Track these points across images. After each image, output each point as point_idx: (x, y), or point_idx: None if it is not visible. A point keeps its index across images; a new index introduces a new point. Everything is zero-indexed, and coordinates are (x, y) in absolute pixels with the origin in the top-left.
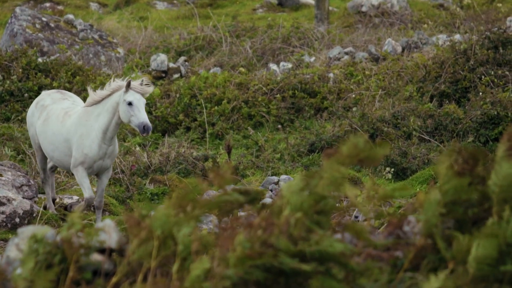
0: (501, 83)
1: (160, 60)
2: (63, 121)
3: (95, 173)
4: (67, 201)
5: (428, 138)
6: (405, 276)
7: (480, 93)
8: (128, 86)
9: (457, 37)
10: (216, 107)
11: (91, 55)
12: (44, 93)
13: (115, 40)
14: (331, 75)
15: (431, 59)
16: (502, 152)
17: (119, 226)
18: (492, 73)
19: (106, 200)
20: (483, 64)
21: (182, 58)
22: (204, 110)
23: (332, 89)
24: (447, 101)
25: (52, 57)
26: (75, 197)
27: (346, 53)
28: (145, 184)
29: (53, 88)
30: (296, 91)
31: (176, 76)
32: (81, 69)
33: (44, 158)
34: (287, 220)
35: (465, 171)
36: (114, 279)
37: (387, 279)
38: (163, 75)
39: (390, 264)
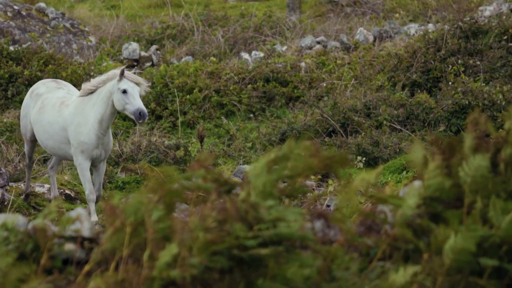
0: (465, 70)
1: (131, 48)
2: (59, 111)
3: (92, 165)
4: (38, 189)
5: (400, 128)
6: (377, 265)
7: (450, 83)
8: (122, 74)
9: (429, 26)
10: (187, 96)
11: (62, 44)
12: (38, 82)
13: (86, 29)
14: (302, 64)
15: (403, 49)
16: (469, 142)
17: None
18: (463, 62)
19: (77, 189)
20: (454, 54)
21: (154, 47)
22: (176, 99)
23: (303, 78)
24: (418, 91)
25: (24, 46)
26: (47, 185)
27: (318, 42)
28: (116, 173)
29: (24, 76)
30: (267, 80)
31: (147, 65)
32: (53, 58)
33: (32, 148)
34: (236, 203)
35: (443, 161)
36: (86, 268)
37: (358, 268)
38: (135, 63)
39: (362, 252)
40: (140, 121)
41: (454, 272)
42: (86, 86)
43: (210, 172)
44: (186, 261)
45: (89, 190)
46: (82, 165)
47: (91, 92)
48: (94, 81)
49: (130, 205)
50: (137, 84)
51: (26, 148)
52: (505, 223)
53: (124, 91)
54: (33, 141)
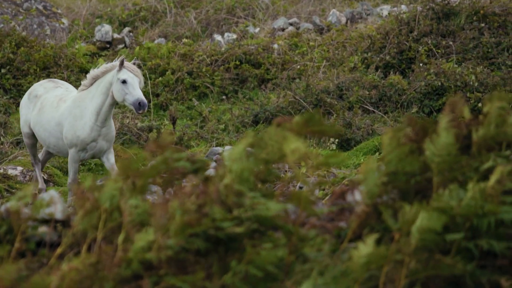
0: (438, 51)
1: (104, 30)
2: (57, 107)
3: (94, 157)
4: (11, 172)
5: (372, 109)
6: (348, 246)
7: (421, 64)
8: (122, 64)
9: (401, 8)
10: (160, 78)
11: (35, 26)
12: (36, 84)
13: (59, 11)
14: (275, 46)
15: (375, 30)
16: (444, 124)
17: (64, 197)
18: (436, 43)
19: (50, 171)
20: (426, 35)
21: (127, 29)
22: (149, 81)
23: (276, 60)
24: (391, 72)
25: None
26: (19, 168)
27: (291, 24)
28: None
29: None
30: (240, 62)
31: (120, 47)
32: (25, 40)
33: (34, 146)
34: (218, 188)
35: (414, 143)
36: (59, 250)
37: (330, 249)
38: (108, 46)
39: (334, 234)
40: (140, 112)
41: (421, 251)
42: (84, 81)
43: (179, 152)
44: (162, 244)
45: (73, 179)
46: (74, 157)
47: (90, 85)
48: (92, 73)
49: (105, 191)
50: (136, 75)
51: (28, 149)
52: (465, 199)
53: (124, 81)
54: (34, 137)
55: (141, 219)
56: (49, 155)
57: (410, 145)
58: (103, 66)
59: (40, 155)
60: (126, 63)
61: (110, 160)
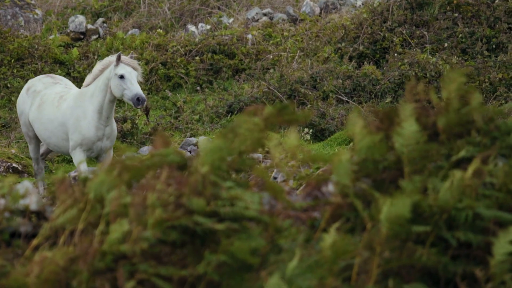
0: (412, 41)
1: (78, 21)
2: (58, 106)
3: (95, 156)
4: None
5: (346, 99)
6: (322, 236)
7: (396, 54)
8: (119, 59)
9: None
10: None
11: (9, 17)
12: (33, 79)
13: (33, 2)
14: (249, 36)
15: (349, 20)
16: (408, 111)
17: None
18: (410, 33)
19: (25, 162)
20: (400, 25)
21: (101, 20)
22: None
23: (250, 50)
24: (365, 62)
25: None
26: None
27: (265, 14)
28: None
29: None
30: (214, 53)
31: (94, 37)
32: None
33: (37, 148)
34: (195, 178)
35: (380, 131)
36: (35, 242)
37: (304, 239)
38: (82, 36)
39: (308, 224)
40: (138, 107)
41: (393, 240)
42: (86, 79)
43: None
44: (138, 236)
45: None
46: (80, 157)
47: (90, 83)
48: (92, 72)
49: (93, 183)
50: (134, 69)
51: (30, 149)
52: (442, 191)
53: (121, 76)
54: (36, 137)
55: (121, 211)
56: (48, 151)
57: (379, 134)
58: (100, 63)
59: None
60: (123, 57)
61: (107, 158)
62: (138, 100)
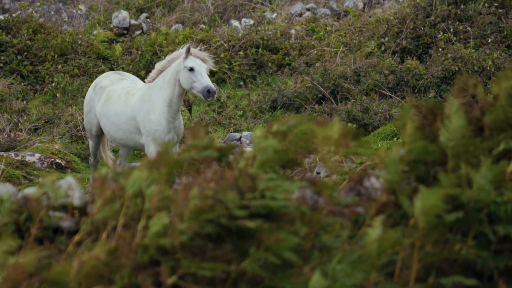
0: (454, 38)
1: (121, 17)
2: (126, 100)
3: None
4: (29, 158)
5: (390, 94)
6: (367, 231)
7: (441, 49)
8: (188, 51)
9: None
10: None
11: (52, 12)
12: (100, 76)
13: None
14: (292, 31)
15: (392, 15)
16: (455, 106)
17: (81, 184)
18: (453, 28)
19: (68, 158)
20: (444, 20)
21: (144, 15)
22: None
23: (294, 45)
24: (408, 57)
25: (14, 15)
26: (37, 155)
27: (308, 9)
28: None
29: (14, 46)
30: (258, 48)
31: (138, 33)
32: (43, 27)
33: (97, 145)
34: (233, 173)
35: (425, 127)
36: (77, 237)
37: (348, 235)
38: (125, 32)
39: (351, 220)
40: (209, 99)
41: (432, 234)
42: (151, 73)
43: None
44: (176, 229)
45: None
46: (152, 152)
47: (158, 75)
48: (158, 65)
49: (131, 178)
50: (203, 61)
51: (91, 145)
52: (477, 184)
53: (191, 69)
54: (99, 135)
55: (163, 205)
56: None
57: (424, 131)
58: (169, 56)
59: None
60: (192, 49)
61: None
62: (208, 92)
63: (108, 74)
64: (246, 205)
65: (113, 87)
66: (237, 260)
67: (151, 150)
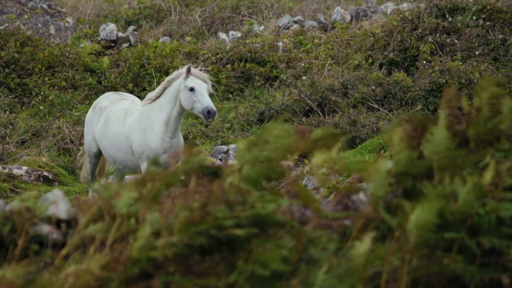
0: (433, 48)
1: (109, 29)
2: (124, 120)
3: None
4: (16, 171)
5: (377, 107)
6: (354, 244)
7: (425, 61)
8: (189, 71)
9: (405, 5)
10: (164, 77)
11: (40, 25)
12: (100, 97)
13: (64, 10)
14: (280, 44)
15: (379, 28)
16: (443, 119)
17: (68, 197)
18: (440, 41)
19: (55, 170)
20: (431, 32)
21: (131, 28)
22: (155, 80)
23: (281, 58)
24: (395, 70)
25: (1, 27)
26: (24, 168)
27: (295, 22)
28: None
29: (1, 58)
30: (245, 61)
31: (125, 45)
32: (30, 39)
33: (95, 166)
34: (222, 186)
35: (414, 139)
36: (64, 251)
37: (335, 248)
38: (112, 44)
39: (339, 232)
40: (209, 120)
41: (421, 248)
42: (151, 94)
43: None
44: (166, 241)
45: None
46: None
47: (157, 96)
48: (158, 87)
49: (122, 199)
50: (204, 81)
51: (89, 166)
52: (462, 196)
53: (192, 89)
54: (98, 156)
55: (158, 228)
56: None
57: (416, 145)
58: (169, 76)
59: (113, 178)
60: (193, 69)
61: None
62: (209, 113)
63: (108, 95)
64: (236, 216)
65: (113, 108)
66: (226, 273)
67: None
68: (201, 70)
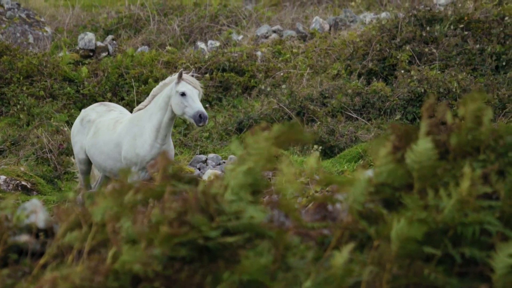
0: (418, 60)
1: (87, 39)
2: (114, 129)
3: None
4: None
5: (356, 116)
6: (332, 254)
7: (403, 71)
8: (180, 76)
9: (383, 15)
10: (143, 86)
11: (18, 34)
12: (86, 109)
13: (42, 19)
14: (259, 53)
15: (358, 37)
16: (424, 129)
17: (47, 206)
18: (419, 50)
19: (34, 180)
20: (409, 42)
21: (110, 37)
22: (133, 89)
23: (260, 67)
24: (374, 79)
25: None
26: (3, 177)
27: (274, 31)
28: (73, 164)
29: None
30: (224, 70)
31: (104, 55)
32: (8, 48)
33: (86, 179)
34: (196, 196)
35: (398, 150)
36: (42, 260)
37: (314, 256)
38: (91, 54)
39: (317, 241)
40: (200, 124)
41: (402, 258)
42: (142, 103)
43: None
44: (148, 254)
45: None
46: (134, 177)
47: (148, 102)
48: (152, 92)
49: (98, 207)
50: (195, 87)
51: (81, 178)
52: (447, 207)
53: (183, 94)
54: (88, 163)
55: (133, 238)
56: (107, 180)
57: (397, 155)
58: (161, 82)
59: (95, 185)
60: (184, 75)
61: None
62: (200, 118)
63: (94, 107)
64: (219, 226)
65: (102, 119)
66: (210, 285)
67: (135, 178)
68: (193, 75)
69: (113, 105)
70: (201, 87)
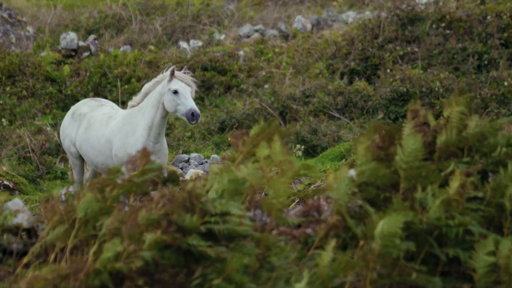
0: (403, 57)
1: (69, 38)
2: (107, 124)
3: None
4: None
5: (338, 116)
6: (316, 253)
7: (388, 70)
8: (172, 74)
9: (367, 13)
10: (126, 86)
11: (0, 34)
12: (78, 103)
13: (24, 19)
14: (241, 52)
15: (340, 37)
16: (408, 130)
17: (29, 206)
18: (401, 50)
19: (16, 179)
20: (392, 41)
21: (92, 37)
22: (119, 89)
23: (242, 67)
24: (357, 78)
25: None
26: None
27: (256, 31)
28: (55, 163)
29: None
30: (206, 69)
31: (86, 54)
32: None
33: (82, 171)
34: (182, 196)
35: (381, 150)
36: (25, 259)
37: (297, 256)
38: (73, 53)
39: (301, 241)
40: (192, 122)
41: (385, 257)
42: (135, 98)
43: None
44: (133, 253)
45: None
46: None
47: (141, 100)
48: (144, 88)
49: (82, 203)
50: (188, 84)
51: (75, 172)
52: (433, 208)
53: (175, 92)
54: (80, 158)
55: (116, 232)
56: (96, 176)
57: (380, 154)
58: (154, 79)
59: (87, 177)
60: (176, 72)
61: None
62: (192, 115)
63: (86, 101)
64: (207, 228)
65: (94, 114)
66: (188, 281)
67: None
68: (185, 73)
69: (104, 100)
70: (194, 82)
